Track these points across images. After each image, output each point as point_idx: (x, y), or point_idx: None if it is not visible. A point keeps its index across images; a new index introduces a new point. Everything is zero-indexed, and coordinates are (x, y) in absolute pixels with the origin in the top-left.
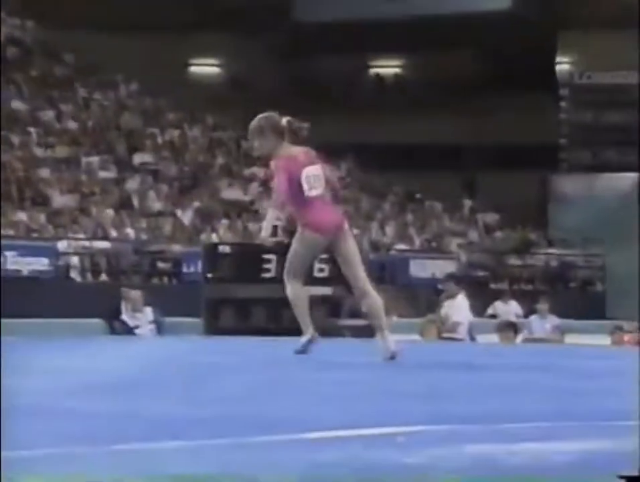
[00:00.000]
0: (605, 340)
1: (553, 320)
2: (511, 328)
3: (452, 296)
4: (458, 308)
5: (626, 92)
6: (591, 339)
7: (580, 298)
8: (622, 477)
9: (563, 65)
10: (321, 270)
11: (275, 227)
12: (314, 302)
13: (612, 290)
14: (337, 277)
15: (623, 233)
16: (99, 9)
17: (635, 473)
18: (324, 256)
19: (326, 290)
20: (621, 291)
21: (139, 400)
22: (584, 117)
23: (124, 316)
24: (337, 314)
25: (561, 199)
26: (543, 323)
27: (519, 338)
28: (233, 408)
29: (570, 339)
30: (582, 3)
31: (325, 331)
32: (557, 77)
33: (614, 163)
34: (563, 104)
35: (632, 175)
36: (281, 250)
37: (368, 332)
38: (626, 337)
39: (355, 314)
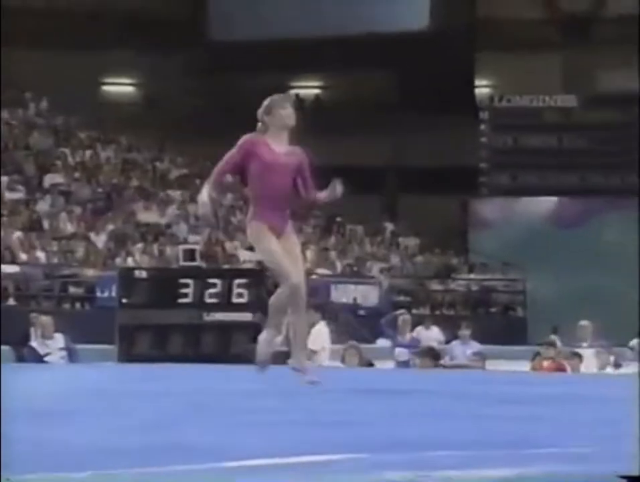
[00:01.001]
0: (526, 366)
1: (475, 346)
2: (432, 354)
3: (312, 324)
4: (316, 336)
5: (545, 115)
6: (512, 365)
7: (501, 324)
8: (622, 477)
9: (482, 87)
10: (240, 295)
11: (192, 251)
12: (234, 328)
13: (533, 315)
14: (257, 302)
15: (544, 258)
16: (4, 21)
17: (635, 473)
18: (242, 280)
19: (245, 316)
20: (542, 316)
21: (51, 430)
22: (504, 140)
23: (34, 343)
24: (256, 340)
25: (481, 224)
26: (465, 349)
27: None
28: (150, 437)
29: (491, 364)
30: (500, 25)
31: (244, 358)
32: (476, 100)
33: (534, 187)
34: (482, 127)
35: (553, 199)
36: (199, 275)
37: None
38: (545, 363)
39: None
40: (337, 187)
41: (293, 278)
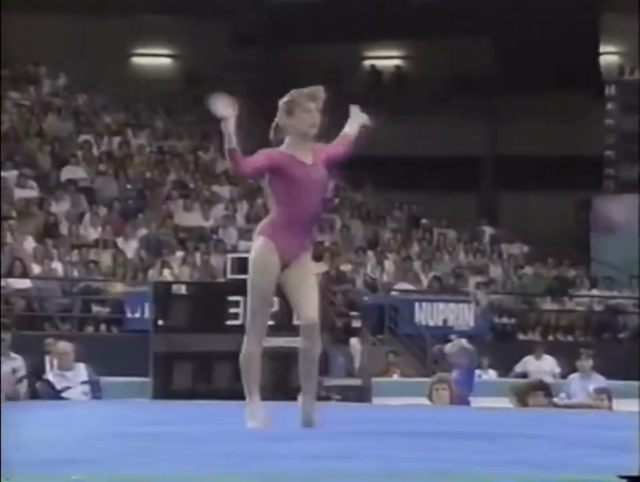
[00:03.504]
0: None
1: (599, 380)
2: (543, 390)
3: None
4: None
5: None
6: None
7: (631, 353)
8: (622, 477)
9: (608, 56)
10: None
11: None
12: (295, 356)
13: None
14: (324, 324)
15: None
16: None
17: (635, 473)
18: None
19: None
20: None
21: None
22: (634, 123)
23: (49, 376)
24: (322, 371)
25: (606, 227)
26: (586, 384)
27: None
28: None
29: (620, 404)
30: None
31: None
32: (601, 73)
33: None
34: (608, 106)
35: None
36: None
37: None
38: None
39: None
40: (359, 115)
41: (248, 343)
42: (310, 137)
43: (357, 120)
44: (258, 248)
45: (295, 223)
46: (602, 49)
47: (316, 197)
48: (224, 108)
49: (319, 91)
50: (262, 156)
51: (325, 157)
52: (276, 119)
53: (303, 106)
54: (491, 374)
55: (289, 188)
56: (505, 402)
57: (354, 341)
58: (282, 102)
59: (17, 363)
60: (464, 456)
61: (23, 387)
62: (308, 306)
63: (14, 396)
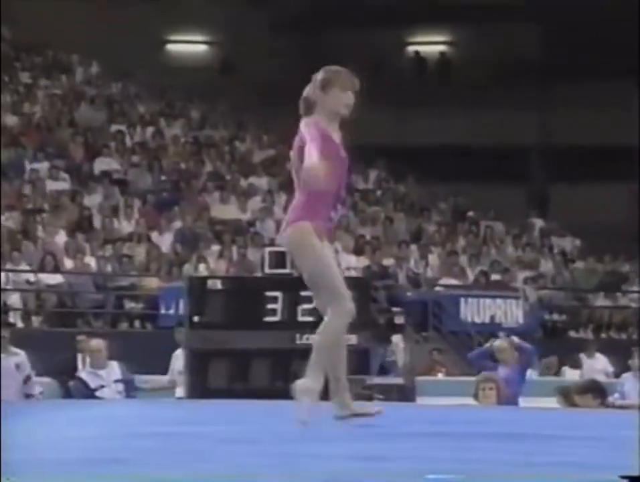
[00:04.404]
0: None
1: None
2: (596, 390)
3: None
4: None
5: None
6: None
7: None
8: (623, 477)
9: None
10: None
11: (282, 255)
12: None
13: None
14: (364, 320)
15: None
16: None
17: (635, 473)
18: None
19: (349, 339)
20: None
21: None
22: None
23: (82, 374)
24: (364, 369)
25: None
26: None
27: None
28: None
29: None
30: None
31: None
32: None
33: None
34: None
35: None
36: (290, 286)
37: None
38: None
39: (385, 369)
40: None
41: (348, 301)
42: (340, 117)
43: None
44: (298, 233)
45: (324, 203)
46: None
47: (343, 176)
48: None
49: (354, 76)
50: (318, 139)
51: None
52: (307, 92)
53: (341, 84)
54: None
55: (327, 163)
56: (554, 402)
57: (397, 339)
58: (317, 77)
59: (19, 358)
60: (500, 457)
61: (34, 386)
62: (347, 291)
63: (27, 395)
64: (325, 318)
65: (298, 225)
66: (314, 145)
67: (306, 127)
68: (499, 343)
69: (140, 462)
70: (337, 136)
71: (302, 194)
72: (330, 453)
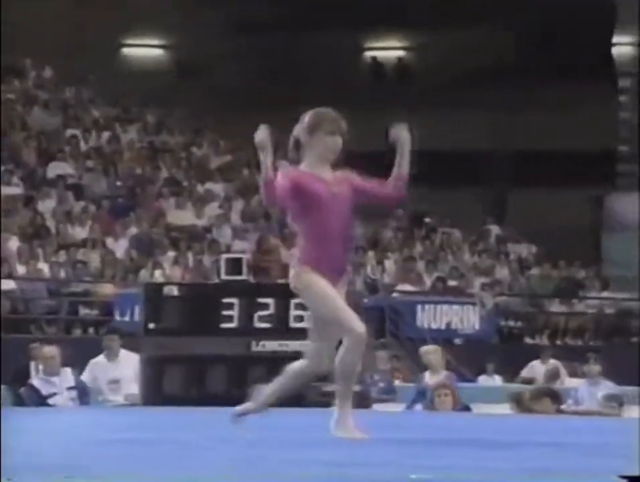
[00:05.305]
0: None
1: (608, 386)
2: (551, 395)
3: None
4: None
5: None
6: None
7: None
8: (623, 477)
9: (623, 46)
10: (299, 318)
11: (238, 261)
12: (291, 360)
13: None
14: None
15: None
16: None
17: (635, 473)
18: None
19: (306, 345)
20: None
21: None
22: None
23: (35, 381)
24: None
25: (618, 226)
26: (595, 391)
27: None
28: None
29: (630, 412)
30: None
31: (305, 399)
32: (614, 62)
33: None
34: (622, 98)
35: None
36: (246, 293)
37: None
38: None
39: None
40: (400, 132)
41: (358, 327)
42: (329, 161)
43: (404, 149)
44: (299, 278)
45: (326, 244)
46: (616, 40)
47: (341, 213)
48: (264, 137)
49: (340, 118)
50: (282, 180)
51: (353, 187)
52: (296, 134)
53: (327, 128)
54: (497, 379)
55: (311, 205)
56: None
57: None
58: (304, 119)
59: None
60: (457, 462)
61: None
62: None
63: None
64: (341, 349)
65: (296, 271)
66: (277, 183)
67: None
68: (426, 347)
69: (99, 470)
70: (328, 175)
71: (300, 240)
72: (294, 458)
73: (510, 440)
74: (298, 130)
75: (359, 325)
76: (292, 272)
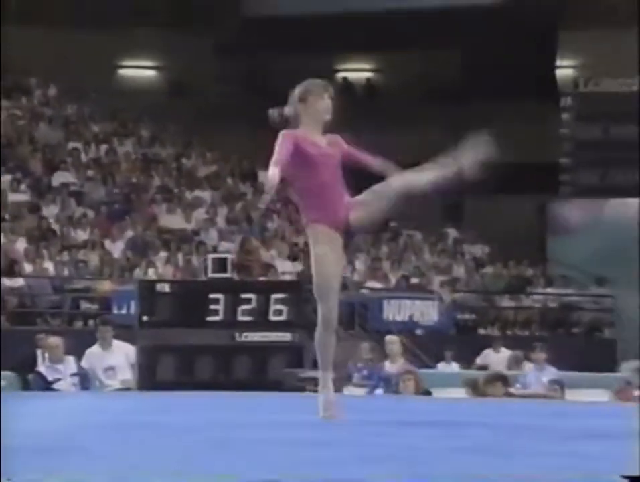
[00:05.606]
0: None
1: (552, 372)
2: (501, 381)
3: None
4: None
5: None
6: (596, 395)
7: (584, 346)
8: (623, 477)
9: (565, 69)
10: (278, 312)
11: (223, 261)
12: (271, 350)
13: (623, 337)
14: (298, 320)
15: (636, 269)
16: None
17: (636, 473)
18: (281, 295)
19: (285, 336)
20: (634, 338)
21: (59, 468)
22: (590, 131)
23: (41, 368)
24: (297, 364)
25: (562, 229)
26: (540, 376)
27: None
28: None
29: (571, 394)
30: None
31: (283, 385)
32: (557, 84)
33: (625, 186)
34: (565, 115)
35: None
36: (230, 289)
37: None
38: (637, 392)
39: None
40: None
41: (331, 300)
42: (322, 124)
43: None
44: (311, 234)
45: (324, 198)
46: (558, 63)
47: (333, 170)
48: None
49: (328, 85)
50: (283, 141)
51: (347, 151)
52: (287, 109)
53: (317, 93)
54: (454, 366)
55: (308, 164)
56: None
57: None
58: (294, 92)
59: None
60: (420, 443)
61: None
62: (337, 283)
63: None
64: (316, 333)
65: (308, 227)
66: (274, 157)
67: (277, 139)
68: (389, 337)
69: (100, 451)
70: (321, 136)
71: (300, 201)
72: (269, 438)
73: (465, 421)
74: (291, 103)
75: (333, 297)
76: (308, 231)
